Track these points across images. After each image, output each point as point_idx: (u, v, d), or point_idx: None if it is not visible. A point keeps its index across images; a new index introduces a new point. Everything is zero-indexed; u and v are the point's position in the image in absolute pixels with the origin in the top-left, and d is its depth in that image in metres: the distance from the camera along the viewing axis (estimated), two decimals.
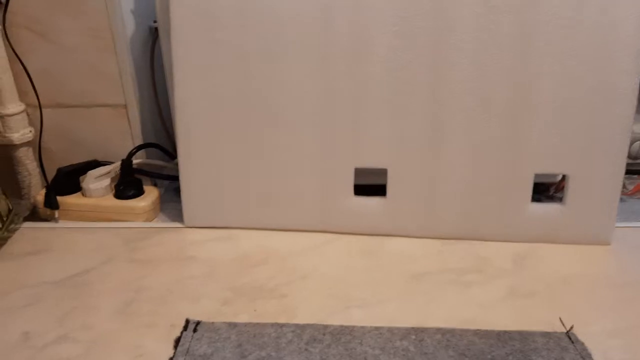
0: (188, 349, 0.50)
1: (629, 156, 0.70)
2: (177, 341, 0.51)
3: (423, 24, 0.60)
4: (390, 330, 0.52)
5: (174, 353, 0.49)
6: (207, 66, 0.63)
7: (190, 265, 0.63)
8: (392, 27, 0.60)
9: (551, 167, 0.64)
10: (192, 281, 0.60)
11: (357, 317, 0.54)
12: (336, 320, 0.53)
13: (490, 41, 0.60)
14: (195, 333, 0.52)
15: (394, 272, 0.61)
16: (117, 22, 0.70)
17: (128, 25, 0.73)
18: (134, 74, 0.74)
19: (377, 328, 0.52)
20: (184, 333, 0.52)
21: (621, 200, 0.65)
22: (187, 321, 0.53)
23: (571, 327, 0.52)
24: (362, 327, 0.52)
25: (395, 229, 0.68)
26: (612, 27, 0.59)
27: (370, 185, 0.68)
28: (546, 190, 0.75)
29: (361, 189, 0.67)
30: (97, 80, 0.73)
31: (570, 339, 0.51)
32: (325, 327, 0.52)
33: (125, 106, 0.75)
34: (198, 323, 0.53)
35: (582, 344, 0.50)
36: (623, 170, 0.63)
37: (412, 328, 0.52)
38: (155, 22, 0.75)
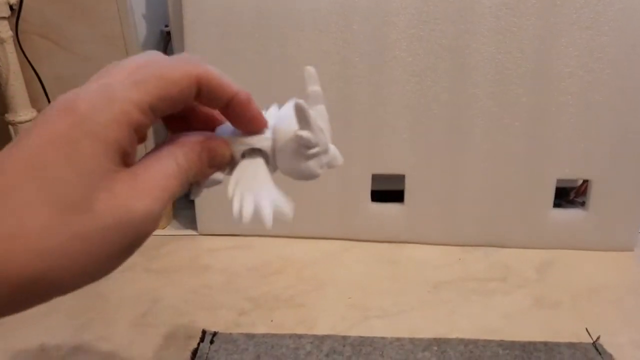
0: None
1: None
2: (194, 353, 0.50)
3: (443, 28, 0.59)
4: (412, 341, 0.51)
5: None
6: (221, 70, 0.62)
7: (206, 275, 0.62)
8: (412, 30, 0.59)
9: (574, 173, 0.63)
10: (209, 291, 0.59)
11: (378, 328, 0.53)
12: (356, 330, 0.52)
13: (511, 44, 0.59)
14: (212, 344, 0.51)
15: (414, 281, 0.60)
16: (130, 27, 0.70)
17: (140, 30, 0.73)
18: None
19: (398, 339, 0.51)
20: (201, 344, 0.51)
21: None
22: (204, 332, 0.52)
23: (598, 338, 0.50)
24: (383, 338, 0.51)
25: (414, 235, 0.67)
26: (638, 29, 0.57)
27: (385, 190, 0.67)
28: (567, 195, 0.73)
29: (376, 195, 0.66)
30: None
31: (597, 350, 0.49)
32: (345, 338, 0.51)
33: None
34: (215, 334, 0.52)
35: (610, 355, 0.49)
36: None
37: (434, 339, 0.51)
38: (167, 26, 0.75)
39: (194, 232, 0.70)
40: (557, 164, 0.62)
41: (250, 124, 0.30)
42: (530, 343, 0.50)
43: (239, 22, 0.61)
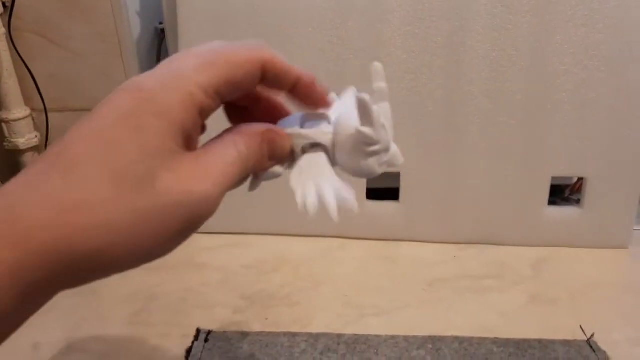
0: (199, 359, 0.49)
1: None
2: (189, 352, 0.50)
3: (438, 25, 0.59)
4: (407, 339, 0.51)
5: None
6: None
7: (202, 273, 0.62)
8: (407, 27, 0.59)
9: (569, 170, 0.63)
10: (204, 289, 0.59)
11: (373, 326, 0.53)
12: (351, 328, 0.52)
13: (507, 42, 0.58)
14: (207, 343, 0.51)
15: (410, 279, 0.60)
16: (124, 24, 0.69)
17: (134, 27, 0.72)
18: None
19: (393, 337, 0.51)
20: (195, 343, 0.51)
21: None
22: (198, 331, 0.52)
23: (592, 335, 0.50)
24: (378, 336, 0.51)
25: (410, 233, 0.67)
26: (633, 26, 0.57)
27: (381, 188, 0.67)
28: (562, 192, 0.73)
29: (371, 192, 0.66)
30: (104, 83, 0.72)
31: (591, 347, 0.49)
32: (340, 336, 0.51)
33: None
34: (209, 333, 0.52)
35: (605, 352, 0.49)
36: None
37: (429, 337, 0.51)
38: (161, 23, 0.74)
39: None
40: (553, 161, 0.62)
41: (317, 104, 0.31)
42: (524, 340, 0.50)
43: (234, 19, 0.61)
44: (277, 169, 0.31)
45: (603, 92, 0.59)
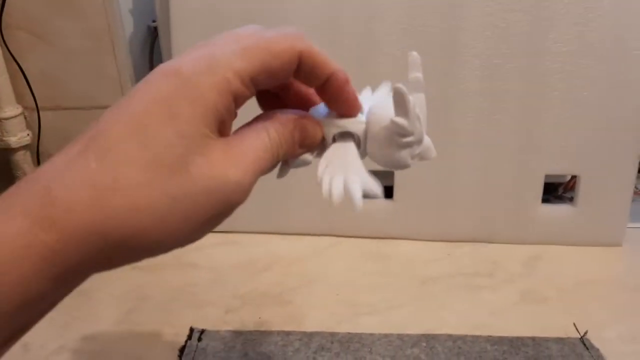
0: (193, 358, 0.48)
1: None
2: (182, 351, 0.49)
3: (432, 23, 0.58)
4: (400, 337, 0.51)
5: None
6: None
7: (193, 272, 0.61)
8: (401, 25, 0.59)
9: (563, 168, 0.63)
10: (196, 288, 0.58)
11: (366, 324, 0.52)
12: (344, 327, 0.52)
13: (501, 40, 0.58)
14: (200, 342, 0.50)
15: (403, 277, 0.60)
16: (116, 22, 0.69)
17: (126, 25, 0.72)
18: (133, 74, 0.72)
19: (386, 335, 0.51)
20: (189, 342, 0.50)
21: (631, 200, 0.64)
22: (192, 330, 0.52)
23: (585, 333, 0.50)
24: (372, 335, 0.51)
25: (402, 231, 0.66)
26: (626, 24, 0.57)
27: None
28: (555, 190, 0.73)
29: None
30: (96, 81, 0.72)
31: (585, 345, 0.49)
32: (333, 334, 0.51)
33: None
34: (202, 332, 0.51)
35: (598, 350, 0.49)
36: (636, 170, 0.62)
37: (423, 335, 0.51)
38: (154, 21, 0.74)
39: None
40: (546, 159, 0.62)
41: (345, 105, 0.30)
42: (518, 338, 0.50)
43: (227, 17, 0.60)
44: (307, 156, 0.31)
45: (596, 90, 0.59)
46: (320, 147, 0.30)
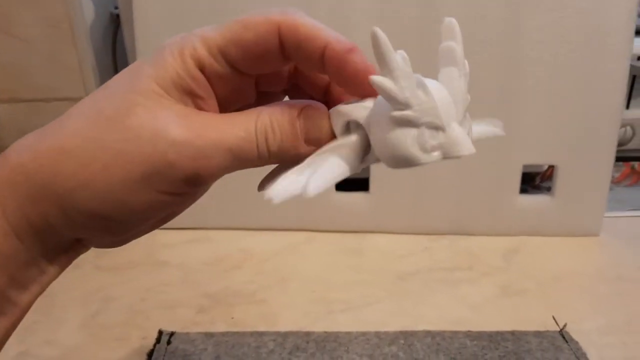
0: None
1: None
2: (150, 355, 0.47)
3: (408, 11, 0.57)
4: (378, 335, 0.49)
5: None
6: None
7: (162, 271, 0.59)
8: (374, 13, 0.57)
9: (540, 158, 0.62)
10: (165, 288, 0.56)
11: (343, 322, 0.51)
12: (320, 325, 0.50)
13: (477, 28, 0.57)
14: (169, 345, 0.48)
15: (380, 272, 0.58)
16: (75, 9, 0.65)
17: (87, 12, 0.68)
18: (95, 64, 0.69)
19: (363, 333, 0.49)
20: (157, 346, 0.48)
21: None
22: (160, 332, 0.49)
23: (564, 325, 0.50)
24: (348, 333, 0.49)
25: (379, 225, 0.65)
26: (602, 11, 0.56)
27: (350, 179, 0.65)
28: (532, 180, 0.73)
29: (340, 183, 0.64)
30: (56, 72, 0.68)
31: (564, 337, 0.49)
32: (309, 334, 0.49)
33: None
34: (172, 334, 0.49)
35: (577, 342, 0.48)
36: (613, 159, 0.61)
37: (401, 332, 0.49)
38: (116, 8, 0.71)
39: None
40: (524, 149, 0.61)
41: (355, 83, 0.24)
42: (497, 333, 0.49)
43: (192, 4, 0.57)
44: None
45: (574, 79, 0.58)
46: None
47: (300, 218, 0.65)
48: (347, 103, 0.24)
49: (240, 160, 0.24)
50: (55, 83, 0.69)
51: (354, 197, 0.65)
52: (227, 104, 0.26)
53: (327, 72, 0.25)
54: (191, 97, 0.24)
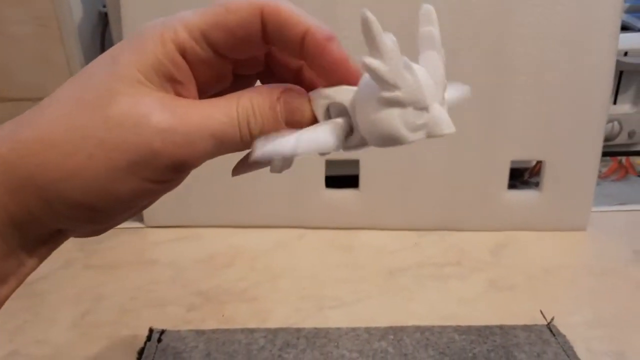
0: None
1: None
2: (140, 353, 0.47)
3: (394, 6, 0.57)
4: (368, 330, 0.49)
5: None
6: None
7: (152, 269, 0.59)
8: (361, 5, 0.57)
9: (528, 154, 0.63)
10: (155, 286, 0.56)
11: (333, 318, 0.51)
12: (311, 322, 0.50)
13: (465, 25, 0.57)
14: (160, 343, 0.48)
15: (370, 268, 0.59)
16: (63, 7, 0.65)
17: (75, 10, 0.68)
18: (84, 63, 0.69)
19: (353, 329, 0.50)
20: (148, 344, 0.48)
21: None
22: (151, 330, 0.49)
23: (552, 319, 0.50)
24: (338, 329, 0.49)
25: (369, 221, 0.65)
26: (589, 7, 0.57)
27: (340, 176, 0.66)
28: (520, 175, 0.73)
29: (330, 180, 0.65)
30: (44, 70, 0.68)
31: (551, 331, 0.49)
32: (299, 330, 0.49)
33: None
34: (162, 332, 0.49)
35: (564, 336, 0.48)
36: (600, 154, 0.62)
37: (391, 327, 0.50)
38: (104, 6, 0.70)
39: (139, 225, 0.66)
40: (512, 145, 0.62)
41: (333, 69, 0.24)
42: (486, 327, 0.50)
43: (180, 2, 0.57)
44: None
45: (561, 75, 0.59)
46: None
47: (291, 215, 0.65)
48: (326, 87, 0.25)
49: (223, 144, 0.24)
50: (44, 82, 0.69)
51: (344, 194, 0.65)
52: (205, 88, 0.26)
53: (304, 58, 0.25)
54: (171, 82, 0.24)
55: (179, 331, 0.49)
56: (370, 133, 0.24)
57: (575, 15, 0.57)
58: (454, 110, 0.26)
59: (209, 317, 0.52)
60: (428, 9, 0.25)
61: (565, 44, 0.58)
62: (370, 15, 0.22)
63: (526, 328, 0.50)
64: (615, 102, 0.77)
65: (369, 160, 0.63)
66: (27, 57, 0.68)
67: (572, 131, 0.61)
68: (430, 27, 0.25)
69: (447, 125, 0.25)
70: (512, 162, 0.63)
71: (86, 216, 0.24)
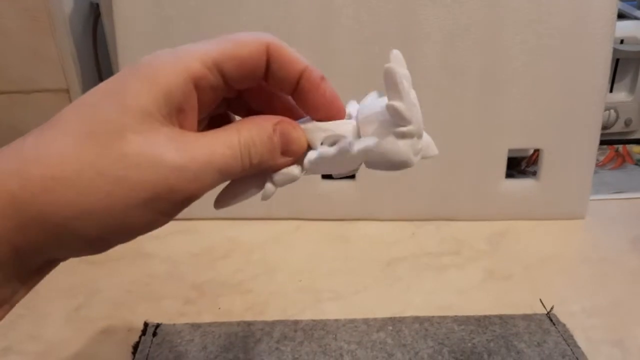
0: (147, 355, 0.46)
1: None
2: (135, 347, 0.47)
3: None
4: (366, 322, 0.49)
5: None
6: (156, 44, 0.57)
7: (148, 263, 0.58)
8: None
9: (525, 142, 0.62)
10: (150, 280, 0.55)
11: (331, 310, 0.51)
12: (308, 314, 0.50)
13: (460, 12, 0.57)
14: (155, 337, 0.48)
15: (367, 259, 0.58)
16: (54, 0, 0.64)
17: (66, 3, 0.67)
18: (75, 55, 0.68)
19: (351, 321, 0.49)
20: (143, 338, 0.48)
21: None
22: (146, 324, 0.49)
23: (551, 308, 0.50)
24: (336, 321, 0.49)
25: (366, 212, 0.65)
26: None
27: None
28: (518, 164, 0.73)
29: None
30: (35, 63, 0.67)
31: (551, 320, 0.49)
32: (297, 322, 0.49)
33: (67, 90, 0.69)
34: (158, 326, 0.49)
35: (564, 325, 0.48)
36: (597, 143, 0.61)
37: (389, 318, 0.49)
38: None
39: None
40: (509, 134, 0.61)
41: (325, 106, 0.28)
42: (485, 317, 0.49)
43: None
44: (294, 170, 0.28)
45: (557, 63, 0.58)
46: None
47: (287, 207, 0.65)
48: (319, 121, 0.28)
49: (227, 176, 0.26)
50: (35, 74, 0.68)
51: (341, 185, 0.64)
52: (201, 114, 0.27)
53: (296, 93, 0.27)
54: (177, 112, 0.24)
55: (174, 325, 0.49)
56: (384, 163, 0.28)
57: (571, 3, 0.56)
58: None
59: (205, 310, 0.51)
60: (396, 54, 0.28)
61: (562, 31, 0.57)
62: (395, 69, 0.26)
63: (526, 317, 0.49)
64: (611, 90, 0.77)
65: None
66: (17, 50, 0.67)
67: (569, 119, 0.60)
68: (404, 70, 0.28)
69: (434, 148, 0.30)
70: (510, 151, 0.62)
71: (94, 247, 0.24)
